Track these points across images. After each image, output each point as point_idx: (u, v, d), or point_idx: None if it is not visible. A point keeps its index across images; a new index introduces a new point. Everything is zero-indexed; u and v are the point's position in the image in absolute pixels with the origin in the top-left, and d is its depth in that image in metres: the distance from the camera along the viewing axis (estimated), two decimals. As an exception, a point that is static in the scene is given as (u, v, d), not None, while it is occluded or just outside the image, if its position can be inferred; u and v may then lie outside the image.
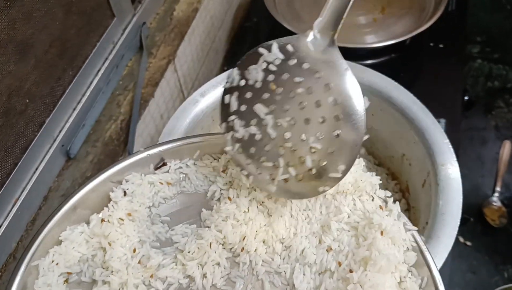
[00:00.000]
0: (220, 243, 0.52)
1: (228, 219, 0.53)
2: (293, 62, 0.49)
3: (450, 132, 1.00)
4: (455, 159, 0.68)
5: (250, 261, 0.52)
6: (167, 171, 0.59)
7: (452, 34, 1.18)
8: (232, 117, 0.52)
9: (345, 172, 0.48)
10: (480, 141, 1.15)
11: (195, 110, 0.75)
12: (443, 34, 1.15)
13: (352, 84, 0.48)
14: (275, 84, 0.50)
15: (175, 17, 1.06)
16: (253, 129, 0.51)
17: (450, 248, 0.61)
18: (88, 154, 0.85)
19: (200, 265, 0.51)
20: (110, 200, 0.55)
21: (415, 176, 0.75)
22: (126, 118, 0.90)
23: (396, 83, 0.75)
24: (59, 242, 0.52)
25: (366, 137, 0.48)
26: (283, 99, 0.49)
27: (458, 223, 0.62)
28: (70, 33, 0.81)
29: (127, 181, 0.56)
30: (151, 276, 0.50)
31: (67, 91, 0.83)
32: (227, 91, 0.53)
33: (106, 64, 0.92)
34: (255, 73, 0.51)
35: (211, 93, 0.77)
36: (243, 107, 0.51)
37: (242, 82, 0.52)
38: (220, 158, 0.59)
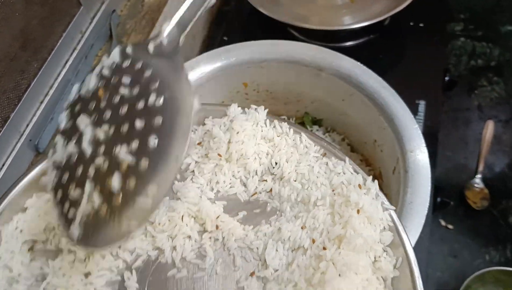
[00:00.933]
0: (192, 217, 0.51)
1: (202, 193, 0.52)
2: (126, 63, 0.44)
3: (431, 114, 0.99)
4: (424, 145, 0.66)
5: (223, 237, 0.51)
6: None
7: (433, 12, 1.15)
8: (58, 136, 0.44)
9: (156, 196, 0.39)
10: (463, 122, 1.13)
11: (158, 102, 0.73)
12: (424, 13, 1.13)
13: (183, 84, 0.43)
14: (103, 90, 0.43)
15: (147, 3, 1.03)
16: (70, 148, 0.42)
17: (417, 237, 0.60)
18: (58, 148, 0.83)
19: (171, 237, 0.50)
20: None
21: (386, 163, 0.74)
22: (96, 109, 0.88)
23: (365, 67, 0.73)
24: (25, 210, 0.50)
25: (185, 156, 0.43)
26: (107, 105, 0.42)
27: (426, 212, 0.61)
28: (32, 24, 0.79)
29: None
30: (119, 247, 0.48)
31: (32, 84, 0.80)
32: (69, 106, 0.46)
33: (74, 55, 0.90)
34: (88, 81, 0.45)
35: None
36: (69, 123, 0.44)
37: (76, 96, 0.46)
38: (196, 130, 0.57)
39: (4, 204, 0.49)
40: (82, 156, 0.42)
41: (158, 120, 0.40)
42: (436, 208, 0.97)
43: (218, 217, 0.51)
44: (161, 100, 0.41)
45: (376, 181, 0.52)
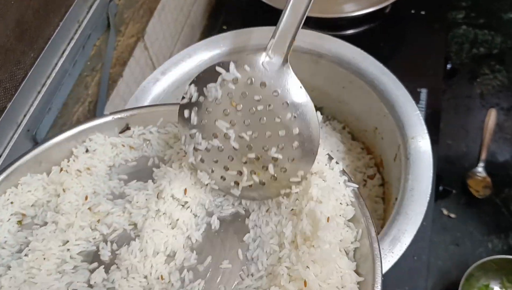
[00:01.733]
0: (170, 195, 0.54)
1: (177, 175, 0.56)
2: (250, 81, 0.52)
3: (433, 102, 0.98)
4: (426, 132, 0.65)
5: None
6: (131, 136, 0.61)
7: (434, 0, 1.14)
8: (194, 131, 0.54)
9: (303, 177, 0.52)
10: (465, 110, 1.12)
11: (155, 90, 0.72)
12: (425, 0, 1.12)
13: (307, 101, 0.51)
14: (235, 102, 0.52)
15: (144, -7, 1.02)
16: (216, 142, 0.54)
17: (418, 225, 0.59)
18: (56, 139, 0.82)
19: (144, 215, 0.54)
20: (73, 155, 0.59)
21: (387, 150, 0.73)
22: (94, 100, 0.88)
23: (365, 54, 0.72)
24: (17, 186, 0.56)
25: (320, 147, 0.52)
26: (244, 115, 0.52)
27: (428, 199, 0.60)
28: (28, 14, 0.78)
29: (90, 140, 0.60)
30: (98, 221, 0.54)
31: (29, 74, 0.80)
32: (185, 106, 0.54)
33: (71, 45, 0.89)
34: (214, 91, 0.52)
35: (172, 71, 0.74)
36: (204, 122, 0.54)
37: (201, 98, 0.53)
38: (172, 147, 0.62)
39: (1, 177, 0.55)
40: (228, 148, 0.54)
41: (296, 130, 0.51)
42: (438, 196, 0.97)
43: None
44: (294, 116, 0.51)
45: (340, 163, 0.55)
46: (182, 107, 0.55)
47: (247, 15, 1.15)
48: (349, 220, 0.51)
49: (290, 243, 0.51)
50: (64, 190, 0.55)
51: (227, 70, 0.51)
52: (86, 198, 0.55)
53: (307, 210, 0.51)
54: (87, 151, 0.59)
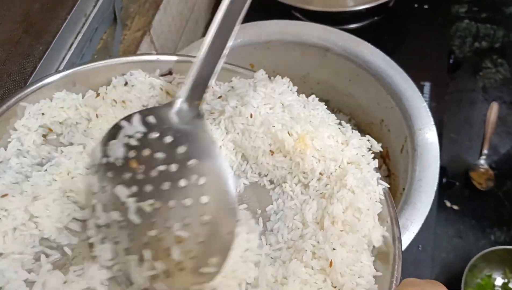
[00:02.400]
0: None
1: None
2: (155, 135, 0.45)
3: (436, 95, 0.99)
4: (432, 123, 0.66)
5: None
6: (170, 82, 0.58)
7: (437, -6, 1.15)
8: (94, 201, 0.45)
9: (220, 265, 0.41)
10: (468, 103, 1.13)
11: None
12: (428, -6, 1.12)
13: (219, 159, 0.44)
14: (137, 162, 0.44)
15: (150, -13, 1.03)
16: (114, 215, 0.44)
17: (426, 213, 0.60)
18: (64, 132, 0.83)
19: None
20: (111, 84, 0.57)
21: (394, 142, 0.74)
22: (102, 93, 0.88)
23: (372, 47, 0.73)
24: (51, 99, 0.54)
25: (238, 225, 0.42)
26: (145, 179, 0.44)
27: (435, 189, 0.61)
28: (35, 7, 0.78)
29: (131, 74, 0.57)
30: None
31: (38, 67, 0.80)
32: (91, 170, 0.46)
33: (78, 38, 0.89)
34: (116, 148, 0.45)
35: (181, 64, 0.74)
36: (105, 189, 0.45)
37: (104, 160, 0.46)
38: (221, 84, 0.59)
39: (35, 86, 0.53)
40: (128, 223, 0.43)
41: (205, 199, 0.42)
42: (442, 189, 0.98)
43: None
44: (204, 181, 0.43)
45: (376, 160, 0.53)
46: (87, 172, 0.48)
47: (252, 10, 1.15)
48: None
49: (314, 223, 0.47)
50: (97, 116, 0.53)
51: (132, 122, 0.46)
52: None
53: (339, 196, 0.47)
54: (126, 84, 0.57)
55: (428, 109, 0.67)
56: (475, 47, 1.21)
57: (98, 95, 0.56)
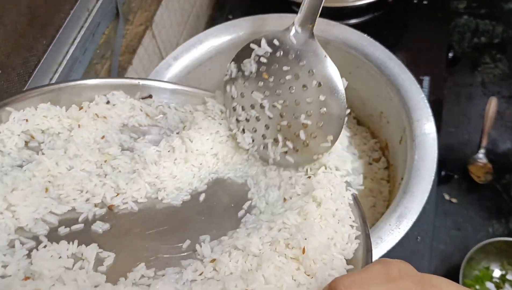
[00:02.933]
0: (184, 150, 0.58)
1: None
2: (279, 54, 0.57)
3: (435, 89, 1.00)
4: (431, 114, 0.67)
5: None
6: (150, 105, 0.64)
7: (437, -11, 1.15)
8: (234, 104, 0.61)
9: (333, 142, 0.56)
10: (466, 98, 1.14)
11: (168, 75, 0.74)
12: (428, -10, 1.13)
13: (332, 68, 0.56)
14: (267, 74, 0.58)
15: (152, -18, 1.04)
16: (253, 112, 0.60)
17: (424, 202, 0.61)
18: (68, 125, 0.84)
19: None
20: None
21: (393, 133, 0.75)
22: (104, 87, 0.89)
23: (371, 39, 0.74)
24: (36, 108, 0.58)
25: (348, 111, 0.56)
26: (275, 85, 0.58)
27: (433, 178, 0.62)
28: (39, 1, 0.79)
29: (113, 95, 0.62)
30: (105, 161, 0.57)
31: (41, 61, 0.81)
32: (228, 82, 0.62)
33: (81, 33, 0.90)
34: (249, 65, 0.59)
35: (184, 57, 0.75)
36: (243, 95, 0.60)
37: (240, 74, 0.60)
38: (197, 109, 0.65)
39: (22, 95, 0.57)
40: (264, 117, 0.60)
41: (322, 97, 0.55)
42: (441, 182, 0.99)
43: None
44: (320, 83, 0.56)
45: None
46: (225, 83, 0.62)
47: (252, 5, 1.16)
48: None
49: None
50: (79, 126, 0.58)
51: (259, 45, 0.58)
52: (103, 137, 0.59)
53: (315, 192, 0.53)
54: (108, 102, 0.61)
55: (426, 101, 0.68)
56: (474, 42, 1.22)
57: (81, 108, 0.60)
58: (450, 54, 1.07)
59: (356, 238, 0.50)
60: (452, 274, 0.91)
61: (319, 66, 0.55)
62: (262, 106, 0.59)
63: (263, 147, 0.60)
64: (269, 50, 0.58)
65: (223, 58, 0.80)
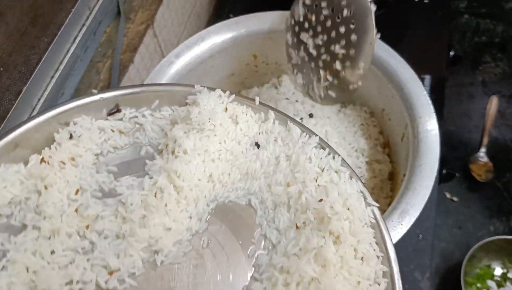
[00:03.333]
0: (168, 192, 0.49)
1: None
2: None
3: (436, 88, 1.00)
4: (433, 111, 0.67)
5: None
6: (121, 119, 0.55)
7: (437, -12, 1.16)
8: (290, 50, 0.70)
9: (365, 68, 0.61)
10: (467, 97, 1.14)
11: (170, 72, 0.74)
12: (428, -11, 1.13)
13: (365, 2, 0.60)
14: (310, 14, 0.65)
15: (153, -19, 1.04)
16: (301, 53, 0.67)
17: (426, 198, 0.61)
18: (69, 123, 0.84)
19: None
20: (54, 142, 0.51)
21: (394, 131, 0.75)
22: (106, 85, 0.89)
23: (373, 37, 0.74)
24: None
25: (378, 35, 0.61)
26: (317, 23, 0.64)
27: (435, 174, 0.62)
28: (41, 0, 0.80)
29: (75, 124, 0.53)
30: (87, 227, 0.48)
31: (43, 59, 0.81)
32: (286, 30, 0.71)
33: (83, 31, 0.90)
34: (297, 11, 0.67)
35: (186, 54, 0.75)
36: (295, 39, 0.68)
37: (292, 21, 0.68)
38: (176, 109, 0.56)
39: None
40: (310, 56, 0.67)
41: (352, 25, 0.60)
42: (442, 180, 0.99)
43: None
44: (351, 12, 0.60)
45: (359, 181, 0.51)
46: (286, 31, 0.71)
47: (253, 4, 1.16)
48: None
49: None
50: (46, 187, 0.48)
51: None
52: (77, 192, 0.49)
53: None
54: (71, 137, 0.52)
55: (428, 98, 0.68)
56: (475, 41, 1.22)
57: (42, 160, 0.50)
58: (451, 53, 1.07)
59: (384, 276, 0.45)
60: (453, 272, 0.91)
61: (354, 7, 0.60)
62: (307, 46, 0.66)
63: (311, 88, 0.67)
64: None
65: (225, 56, 0.80)
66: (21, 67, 0.77)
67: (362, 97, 0.82)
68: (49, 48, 0.82)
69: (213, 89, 0.57)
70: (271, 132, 0.54)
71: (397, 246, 0.62)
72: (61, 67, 0.85)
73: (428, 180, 0.61)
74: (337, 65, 0.63)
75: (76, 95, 0.87)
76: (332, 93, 0.65)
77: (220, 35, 0.78)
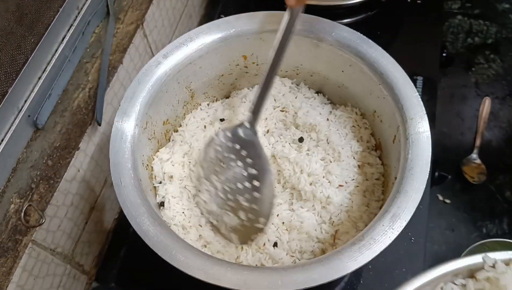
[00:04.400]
0: None
1: None
2: (230, 144, 0.71)
3: (428, 90, 0.99)
4: (424, 112, 0.66)
5: None
6: None
7: (430, -11, 1.15)
8: (200, 183, 0.74)
9: (265, 223, 0.66)
10: (460, 98, 1.14)
11: (157, 72, 0.73)
12: (421, -10, 1.13)
13: (266, 165, 0.68)
14: (220, 160, 0.71)
15: (143, -20, 1.02)
16: (212, 191, 0.71)
17: (418, 201, 0.60)
18: (57, 124, 0.82)
19: None
20: None
21: (386, 133, 0.74)
22: (94, 86, 0.88)
23: (364, 37, 0.73)
24: None
25: (275, 198, 0.72)
26: (225, 170, 0.70)
27: (427, 177, 0.61)
28: (27, -2, 0.78)
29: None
30: None
31: (29, 59, 0.80)
32: (199, 164, 0.75)
33: (71, 31, 0.89)
34: (210, 152, 0.72)
35: (174, 55, 0.74)
36: (206, 177, 0.72)
37: (207, 158, 0.73)
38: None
39: None
40: (219, 199, 0.71)
41: (256, 183, 0.67)
42: (434, 182, 0.98)
43: None
44: (256, 171, 0.68)
45: None
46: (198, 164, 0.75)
47: (244, 5, 1.15)
48: None
49: None
50: None
51: (217, 134, 0.71)
52: None
53: None
54: None
55: (420, 99, 0.67)
56: (468, 43, 1.22)
57: None
58: (444, 55, 1.06)
59: None
60: (446, 275, 0.90)
61: (256, 157, 0.68)
62: (216, 188, 0.70)
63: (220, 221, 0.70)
64: (223, 140, 0.70)
65: (214, 56, 0.79)
66: (6, 68, 0.75)
67: (353, 98, 0.81)
68: (36, 48, 0.81)
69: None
70: None
71: (389, 248, 0.61)
72: (49, 67, 0.84)
73: (420, 183, 0.61)
74: (241, 215, 0.67)
75: (65, 96, 0.85)
76: (235, 236, 0.68)
77: (210, 35, 0.77)
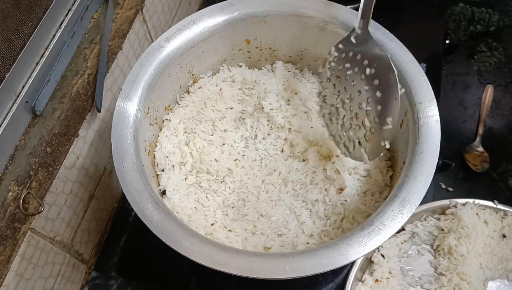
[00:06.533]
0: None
1: None
2: (343, 55, 0.70)
3: (431, 77, 0.98)
4: (433, 96, 0.65)
5: None
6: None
7: (433, -24, 1.14)
8: (320, 104, 0.76)
9: (393, 122, 0.63)
10: (463, 86, 1.13)
11: (160, 56, 0.71)
12: (424, -23, 1.11)
13: (382, 55, 0.64)
14: (337, 75, 0.71)
15: (142, -35, 1.00)
16: (333, 109, 0.73)
17: (427, 186, 0.59)
18: (55, 111, 0.81)
19: None
20: None
21: (393, 117, 0.73)
22: (94, 72, 0.86)
23: (372, 20, 0.71)
24: None
25: (402, 90, 0.64)
26: (343, 83, 0.69)
27: (436, 160, 0.60)
28: (25, -19, 0.76)
29: None
30: None
31: (27, 43, 0.78)
32: (321, 83, 0.75)
33: (69, 16, 0.87)
34: (325, 73, 0.73)
35: (176, 38, 0.73)
36: (324, 98, 0.74)
37: (322, 83, 0.74)
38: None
39: None
40: (339, 115, 0.72)
41: (376, 81, 0.64)
42: (438, 170, 0.97)
43: None
44: (374, 70, 0.65)
45: None
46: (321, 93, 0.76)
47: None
48: None
49: None
50: None
51: (329, 52, 0.71)
52: None
53: None
54: None
55: (428, 83, 0.66)
56: (470, 30, 1.21)
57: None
58: (447, 41, 1.05)
59: None
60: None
61: (371, 56, 0.64)
62: (336, 106, 0.70)
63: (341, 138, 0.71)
64: (336, 54, 0.70)
65: (217, 40, 0.78)
66: (4, 52, 0.73)
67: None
68: (34, 33, 0.79)
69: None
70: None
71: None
72: (47, 53, 0.82)
73: (430, 167, 0.60)
74: (365, 122, 0.66)
75: (63, 82, 0.83)
76: (363, 150, 0.67)
77: (213, 18, 0.75)
